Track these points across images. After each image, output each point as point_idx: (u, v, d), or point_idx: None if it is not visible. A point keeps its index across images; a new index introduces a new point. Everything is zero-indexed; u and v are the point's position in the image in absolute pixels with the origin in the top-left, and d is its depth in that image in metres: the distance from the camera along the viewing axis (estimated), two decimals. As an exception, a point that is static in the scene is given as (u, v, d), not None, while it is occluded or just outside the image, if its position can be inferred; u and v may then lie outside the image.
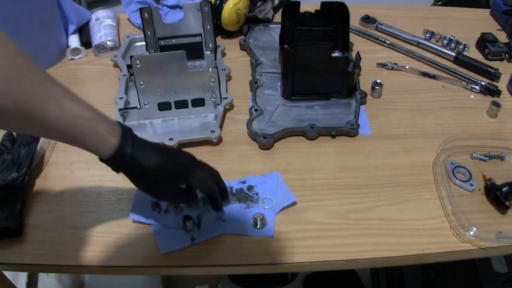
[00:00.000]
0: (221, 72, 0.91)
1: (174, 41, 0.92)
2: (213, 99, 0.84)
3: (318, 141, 0.81)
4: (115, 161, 0.55)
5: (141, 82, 0.79)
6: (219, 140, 0.81)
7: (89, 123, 0.52)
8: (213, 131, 0.79)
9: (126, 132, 0.56)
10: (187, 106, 0.84)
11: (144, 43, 0.97)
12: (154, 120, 0.84)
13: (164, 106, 0.83)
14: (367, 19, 1.11)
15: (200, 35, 0.93)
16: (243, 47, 1.03)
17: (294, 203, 0.69)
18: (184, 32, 0.92)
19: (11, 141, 0.75)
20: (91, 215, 0.69)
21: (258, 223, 0.66)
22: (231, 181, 0.73)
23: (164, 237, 0.66)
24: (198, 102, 0.84)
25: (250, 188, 0.72)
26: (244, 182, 0.73)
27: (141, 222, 0.68)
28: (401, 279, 1.16)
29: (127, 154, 0.55)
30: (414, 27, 1.09)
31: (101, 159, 0.56)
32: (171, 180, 0.60)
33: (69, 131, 0.50)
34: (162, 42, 0.92)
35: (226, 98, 0.86)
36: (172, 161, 0.59)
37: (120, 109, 0.82)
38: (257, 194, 0.71)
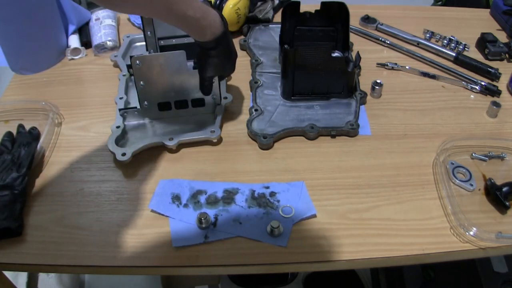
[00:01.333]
0: None
1: (174, 41, 0.92)
2: (213, 99, 0.84)
3: (318, 141, 0.81)
4: (214, 42, 0.70)
5: (141, 82, 0.78)
6: (219, 140, 0.81)
7: (208, 14, 0.67)
8: (213, 131, 0.79)
9: (225, 24, 0.71)
10: (187, 106, 0.84)
11: (144, 43, 0.96)
12: (154, 120, 0.84)
13: (164, 106, 0.83)
14: (367, 19, 1.11)
15: None
16: (243, 47, 1.03)
17: (313, 216, 0.69)
18: (184, 32, 0.92)
19: (11, 141, 0.75)
20: (91, 215, 0.69)
21: (274, 230, 0.65)
22: (254, 184, 0.73)
23: (178, 231, 0.66)
24: (198, 102, 0.84)
25: (272, 194, 0.71)
26: (267, 188, 0.72)
27: (159, 213, 0.69)
28: (401, 279, 1.16)
29: (223, 41, 0.71)
30: (414, 27, 1.09)
31: (199, 42, 0.71)
32: (223, 67, 0.76)
33: (198, 20, 0.66)
34: (162, 42, 0.91)
35: (226, 98, 0.86)
36: (233, 55, 0.77)
37: (120, 109, 0.82)
38: (278, 201, 0.70)
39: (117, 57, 0.98)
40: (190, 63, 0.80)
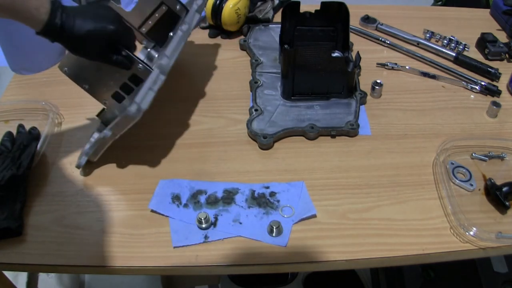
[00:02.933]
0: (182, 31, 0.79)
1: (144, 29, 0.89)
2: (141, 70, 0.74)
3: (318, 141, 0.81)
4: (48, 34, 0.63)
5: (84, 86, 0.77)
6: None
7: (20, 1, 0.59)
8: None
9: (56, 6, 0.62)
10: (132, 88, 0.76)
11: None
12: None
13: (118, 97, 0.78)
14: (367, 19, 1.11)
15: (162, 3, 0.87)
16: (243, 47, 1.03)
17: (313, 216, 0.69)
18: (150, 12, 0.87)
19: (11, 141, 0.75)
20: (91, 215, 0.69)
21: (274, 230, 0.65)
22: (254, 184, 0.73)
23: (178, 231, 0.66)
24: (134, 79, 0.75)
25: (272, 194, 0.71)
26: (267, 187, 0.72)
27: (159, 213, 0.69)
28: (401, 279, 1.16)
29: (57, 27, 0.62)
30: (414, 27, 1.09)
31: (37, 32, 0.63)
32: (100, 44, 0.67)
33: (5, 7, 0.58)
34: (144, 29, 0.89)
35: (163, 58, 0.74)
36: (101, 28, 0.65)
37: (97, 115, 0.81)
38: (278, 201, 0.70)
39: (116, 57, 0.97)
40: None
